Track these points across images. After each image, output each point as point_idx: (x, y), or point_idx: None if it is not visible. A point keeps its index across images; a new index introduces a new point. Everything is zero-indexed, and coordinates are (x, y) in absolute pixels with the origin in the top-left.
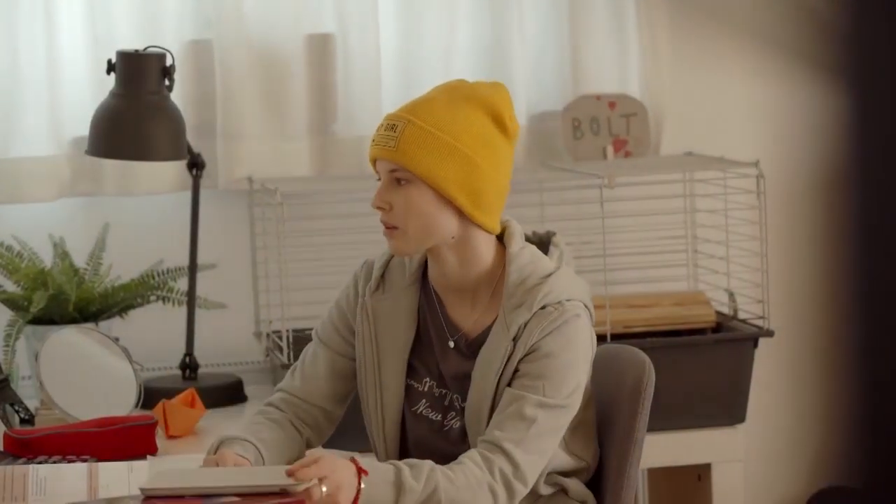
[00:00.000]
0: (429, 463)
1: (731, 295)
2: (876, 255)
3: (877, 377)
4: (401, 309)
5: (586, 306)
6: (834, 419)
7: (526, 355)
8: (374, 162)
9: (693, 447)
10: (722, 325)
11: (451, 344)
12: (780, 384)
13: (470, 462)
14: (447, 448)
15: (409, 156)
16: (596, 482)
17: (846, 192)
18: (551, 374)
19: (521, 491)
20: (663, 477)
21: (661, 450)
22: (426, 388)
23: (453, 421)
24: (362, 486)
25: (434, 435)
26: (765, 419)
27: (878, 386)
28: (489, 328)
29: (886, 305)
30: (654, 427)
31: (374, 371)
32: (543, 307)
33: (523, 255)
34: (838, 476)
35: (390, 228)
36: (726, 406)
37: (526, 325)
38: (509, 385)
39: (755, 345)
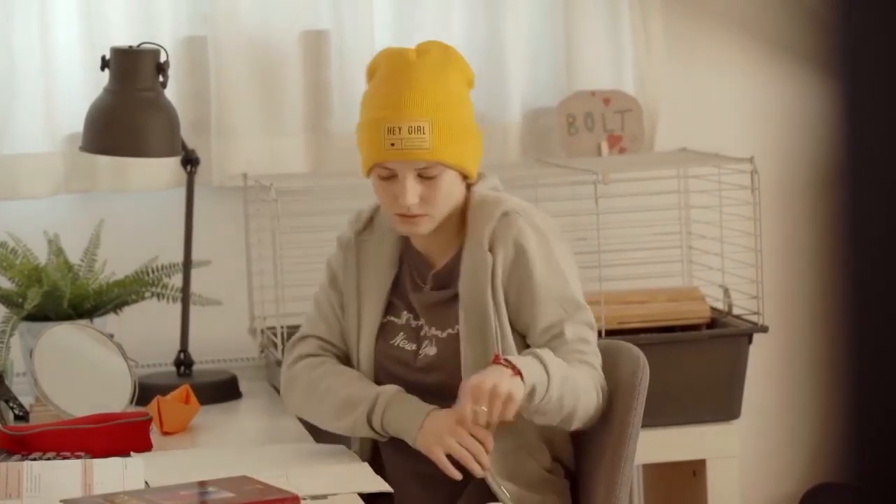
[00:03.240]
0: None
1: (726, 291)
2: (870, 251)
3: (871, 373)
4: (385, 250)
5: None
6: (829, 415)
7: (510, 270)
8: (377, 164)
9: (688, 443)
10: (716, 320)
11: (428, 280)
12: (774, 380)
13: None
14: (413, 377)
15: (445, 152)
16: (590, 478)
17: (841, 187)
18: (554, 285)
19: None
20: (658, 473)
21: (656, 446)
22: (404, 321)
23: (427, 349)
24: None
25: (403, 367)
26: (760, 415)
27: (872, 382)
28: (458, 255)
29: (881, 301)
30: (648, 423)
31: (355, 311)
32: (505, 213)
33: (482, 184)
34: (833, 472)
35: (416, 216)
36: (721, 402)
37: (494, 231)
38: (513, 330)
39: (750, 340)
